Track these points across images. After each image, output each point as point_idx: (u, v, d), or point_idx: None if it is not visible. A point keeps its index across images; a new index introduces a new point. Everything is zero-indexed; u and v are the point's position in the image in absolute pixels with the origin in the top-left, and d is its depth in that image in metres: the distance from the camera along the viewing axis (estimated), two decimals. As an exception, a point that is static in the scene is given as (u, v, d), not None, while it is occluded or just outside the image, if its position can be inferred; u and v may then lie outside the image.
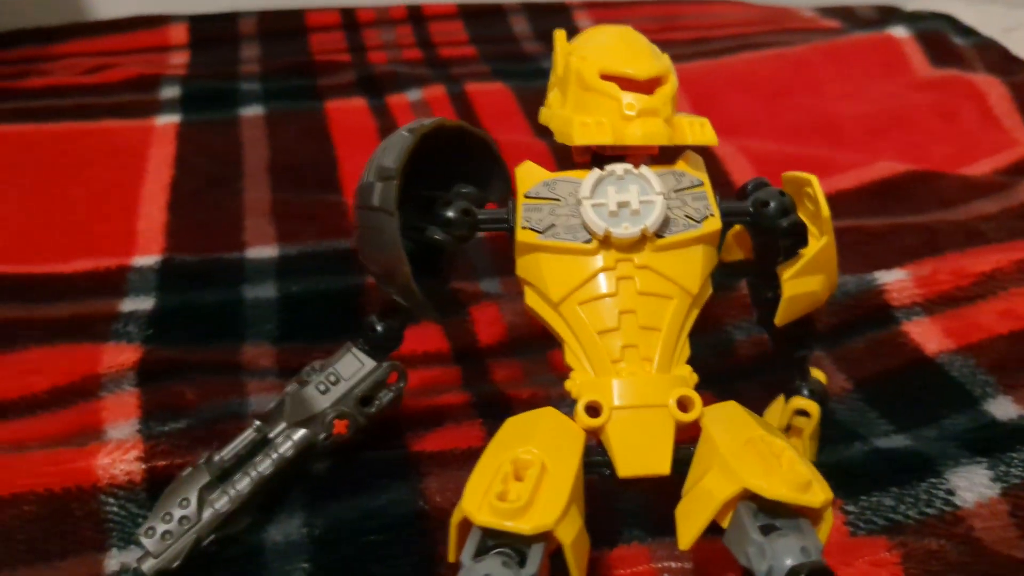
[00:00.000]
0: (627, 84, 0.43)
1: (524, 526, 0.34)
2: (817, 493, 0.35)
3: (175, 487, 0.46)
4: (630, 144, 0.43)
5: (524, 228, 0.43)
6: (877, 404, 0.59)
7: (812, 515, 0.36)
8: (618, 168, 0.43)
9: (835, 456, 0.54)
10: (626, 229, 0.41)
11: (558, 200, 0.43)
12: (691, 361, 0.43)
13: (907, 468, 0.51)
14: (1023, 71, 1.06)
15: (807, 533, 0.35)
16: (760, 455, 0.37)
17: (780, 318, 0.47)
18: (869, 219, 0.78)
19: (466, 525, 0.36)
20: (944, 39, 1.12)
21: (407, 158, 0.43)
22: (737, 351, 0.64)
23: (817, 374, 0.53)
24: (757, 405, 0.54)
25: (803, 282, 0.47)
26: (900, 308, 0.65)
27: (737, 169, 0.84)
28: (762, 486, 0.35)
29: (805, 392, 0.52)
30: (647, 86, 0.43)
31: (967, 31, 1.15)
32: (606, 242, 0.42)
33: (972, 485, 0.49)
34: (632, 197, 0.42)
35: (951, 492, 0.49)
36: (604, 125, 0.42)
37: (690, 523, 0.37)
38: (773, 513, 0.36)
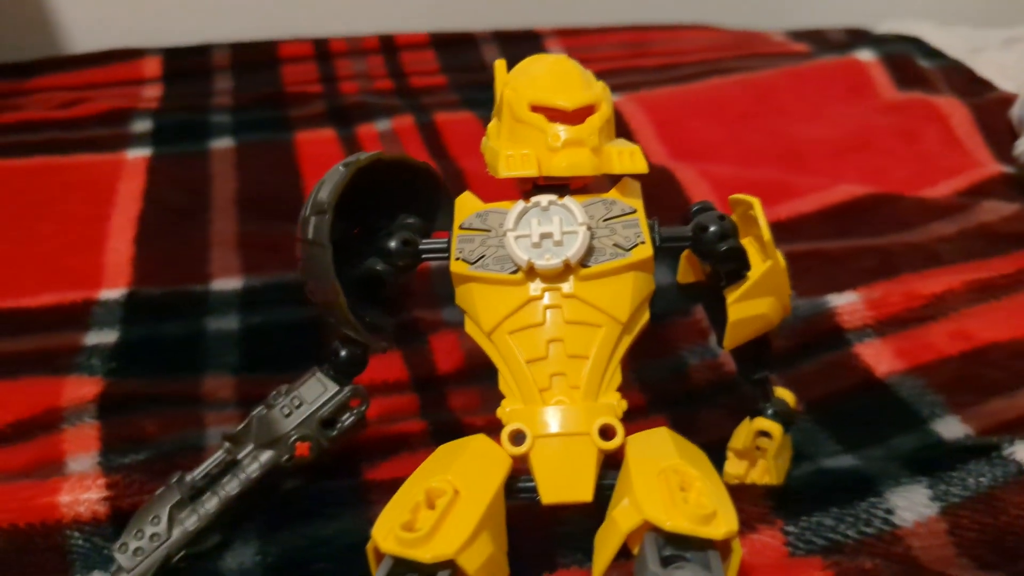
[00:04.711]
0: (556, 115, 0.44)
1: (424, 555, 0.35)
2: (719, 525, 0.35)
3: (148, 505, 0.48)
4: (555, 175, 0.43)
5: (457, 259, 0.44)
6: (827, 425, 0.60)
7: (720, 547, 0.36)
8: (543, 199, 0.44)
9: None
10: (549, 260, 0.42)
11: (488, 231, 0.44)
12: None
13: (848, 488, 0.51)
14: (988, 92, 1.07)
15: (713, 566, 0.35)
16: (668, 486, 0.37)
17: (728, 341, 0.48)
18: (829, 242, 0.78)
19: (380, 553, 0.36)
20: (910, 62, 1.13)
21: (340, 192, 0.44)
22: (692, 375, 0.65)
23: (784, 394, 0.53)
24: (712, 428, 0.55)
25: (750, 305, 0.47)
26: (852, 330, 0.66)
27: (699, 194, 0.84)
28: (661, 518, 0.35)
29: (768, 413, 0.52)
30: (577, 116, 0.44)
31: (934, 53, 1.17)
32: (531, 273, 0.43)
33: (911, 504, 0.50)
34: (555, 228, 0.43)
35: (890, 511, 0.50)
36: (529, 156, 0.43)
37: (600, 552, 0.37)
38: (683, 545, 0.36)
